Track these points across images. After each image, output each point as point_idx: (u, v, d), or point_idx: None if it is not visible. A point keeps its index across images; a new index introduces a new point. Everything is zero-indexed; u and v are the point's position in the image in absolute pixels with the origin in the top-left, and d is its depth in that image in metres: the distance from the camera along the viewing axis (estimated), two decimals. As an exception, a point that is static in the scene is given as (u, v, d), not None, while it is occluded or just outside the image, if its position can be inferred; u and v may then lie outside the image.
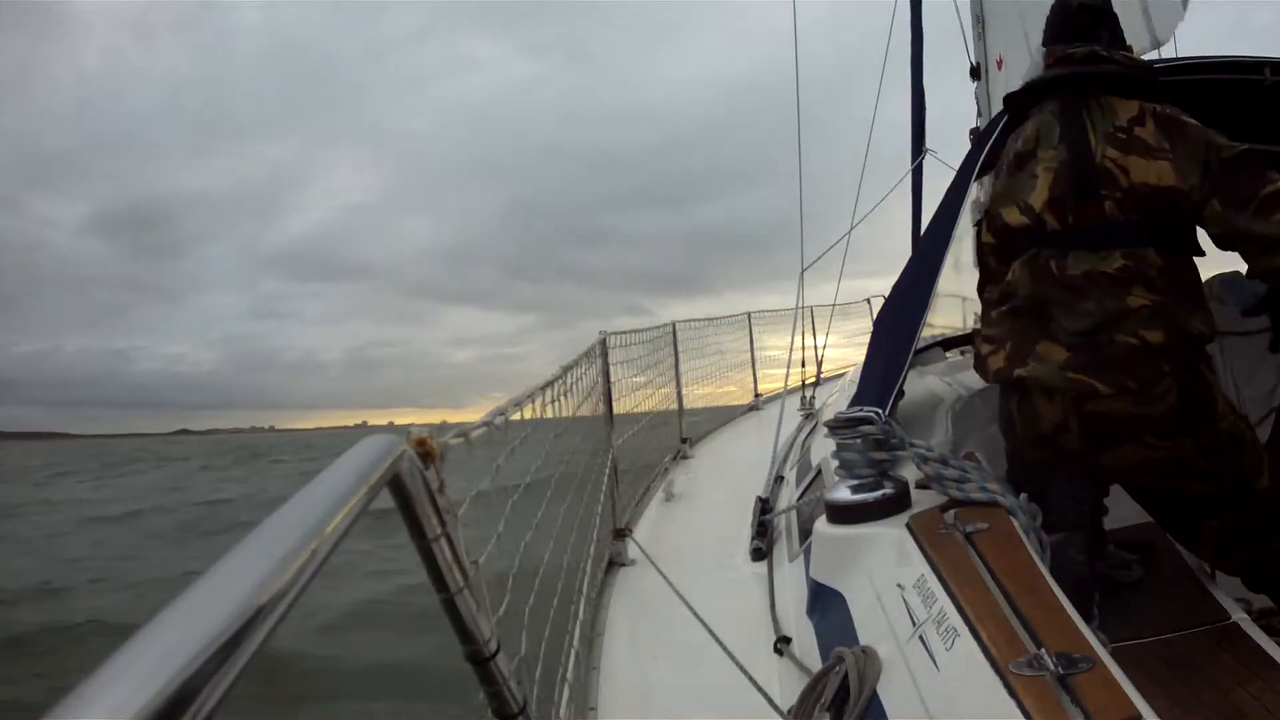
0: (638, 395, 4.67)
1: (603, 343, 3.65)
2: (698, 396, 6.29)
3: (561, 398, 2.42)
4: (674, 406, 5.58)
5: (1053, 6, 2.10)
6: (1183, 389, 1.78)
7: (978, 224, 2.23)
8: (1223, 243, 1.84)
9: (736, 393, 7.35)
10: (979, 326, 2.14)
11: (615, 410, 3.75)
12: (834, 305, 5.22)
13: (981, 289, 2.19)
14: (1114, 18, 2.06)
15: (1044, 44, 2.12)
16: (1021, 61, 4.01)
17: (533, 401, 1.86)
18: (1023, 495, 1.64)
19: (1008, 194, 1.98)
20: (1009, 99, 2.13)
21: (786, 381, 4.42)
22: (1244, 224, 1.75)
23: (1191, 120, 1.85)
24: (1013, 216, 1.95)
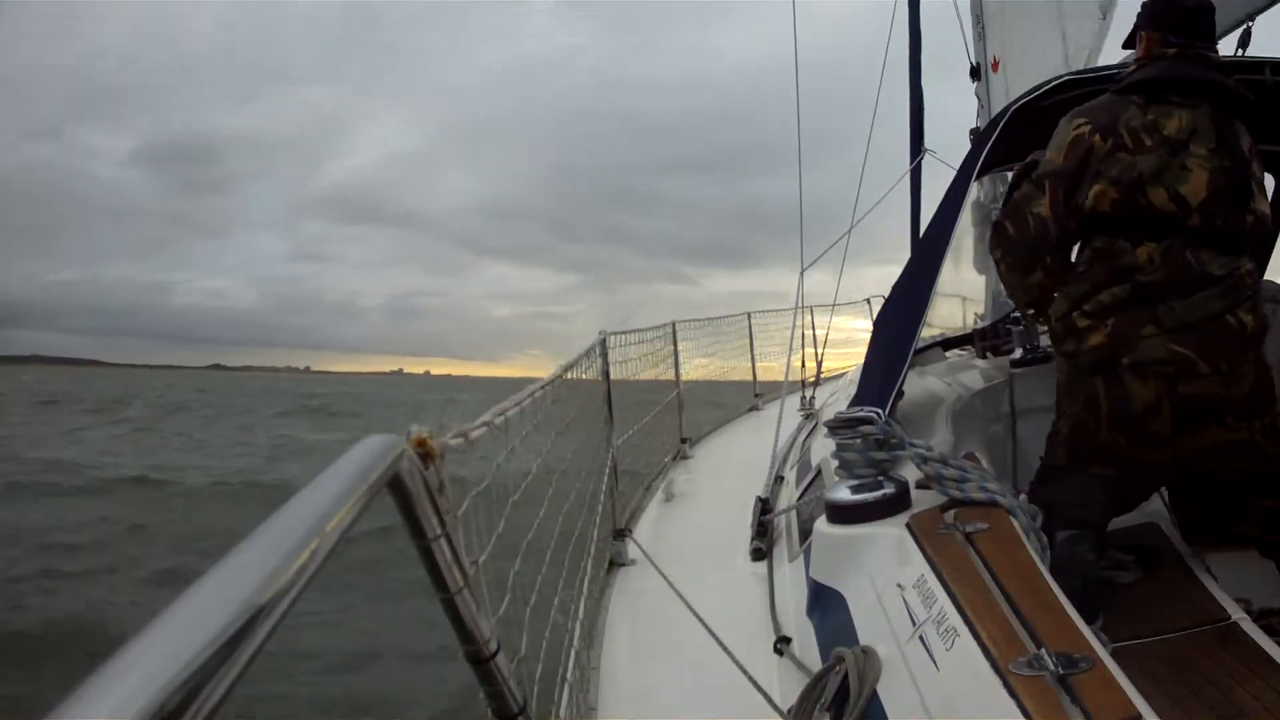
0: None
1: (603, 342, 3.65)
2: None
3: (562, 397, 2.42)
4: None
5: None
6: (1258, 373, 1.94)
7: (1031, 188, 2.13)
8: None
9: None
10: (1059, 311, 2.08)
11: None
12: (834, 305, 5.22)
13: (1045, 263, 2.11)
14: (1215, 21, 2.10)
15: (1150, 28, 2.10)
16: (1023, 61, 4.02)
17: (533, 401, 1.86)
18: (1023, 495, 1.65)
19: (1156, 174, 1.96)
20: (1151, 80, 2.05)
21: (786, 382, 4.41)
22: None
23: None
24: (1160, 199, 1.95)
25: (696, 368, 6.18)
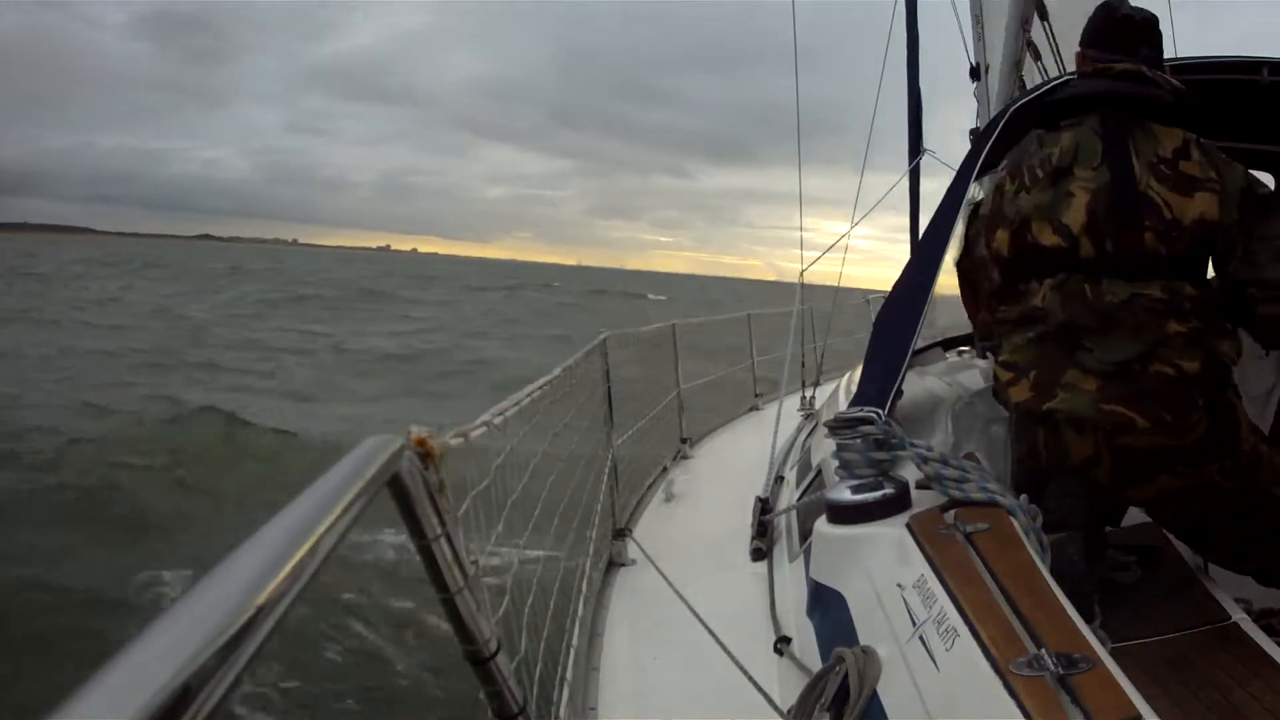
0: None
1: (603, 343, 3.65)
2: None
3: (562, 397, 2.43)
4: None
5: (1096, 9, 2.02)
6: (1212, 419, 1.78)
7: (977, 229, 2.11)
8: (1233, 281, 1.86)
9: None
10: (989, 343, 2.09)
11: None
12: (834, 305, 5.22)
13: (986, 303, 2.09)
14: (1158, 33, 1.99)
15: (1082, 45, 2.04)
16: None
17: (532, 401, 1.86)
18: (1023, 495, 1.64)
19: (1040, 209, 1.88)
20: (1037, 103, 2.03)
21: (785, 382, 4.41)
22: (1270, 270, 1.79)
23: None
24: (1045, 235, 1.87)
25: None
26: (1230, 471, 1.84)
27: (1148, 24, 1.97)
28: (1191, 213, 1.80)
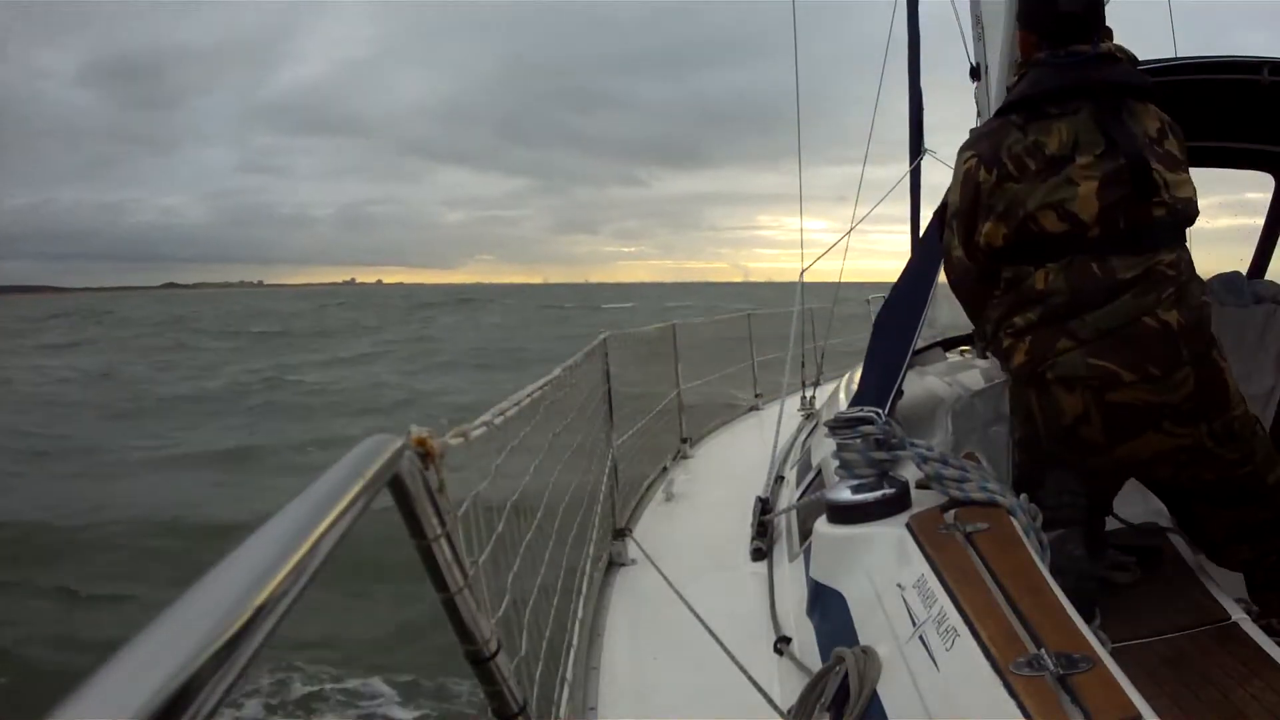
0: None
1: (604, 343, 3.65)
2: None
3: (563, 397, 2.43)
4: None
5: None
6: (1199, 374, 1.82)
7: (951, 228, 2.10)
8: None
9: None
10: (989, 335, 2.08)
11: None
12: (834, 305, 5.22)
13: (983, 290, 2.09)
14: (1101, 15, 2.02)
15: (1020, 28, 2.08)
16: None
17: (532, 401, 1.86)
18: (1023, 495, 1.64)
19: (1042, 198, 1.89)
20: (1027, 98, 1.99)
21: (786, 382, 4.41)
22: None
23: None
24: (1050, 222, 1.88)
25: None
26: (1222, 437, 1.86)
27: (1095, 8, 2.00)
28: (1182, 189, 1.90)
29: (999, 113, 2.05)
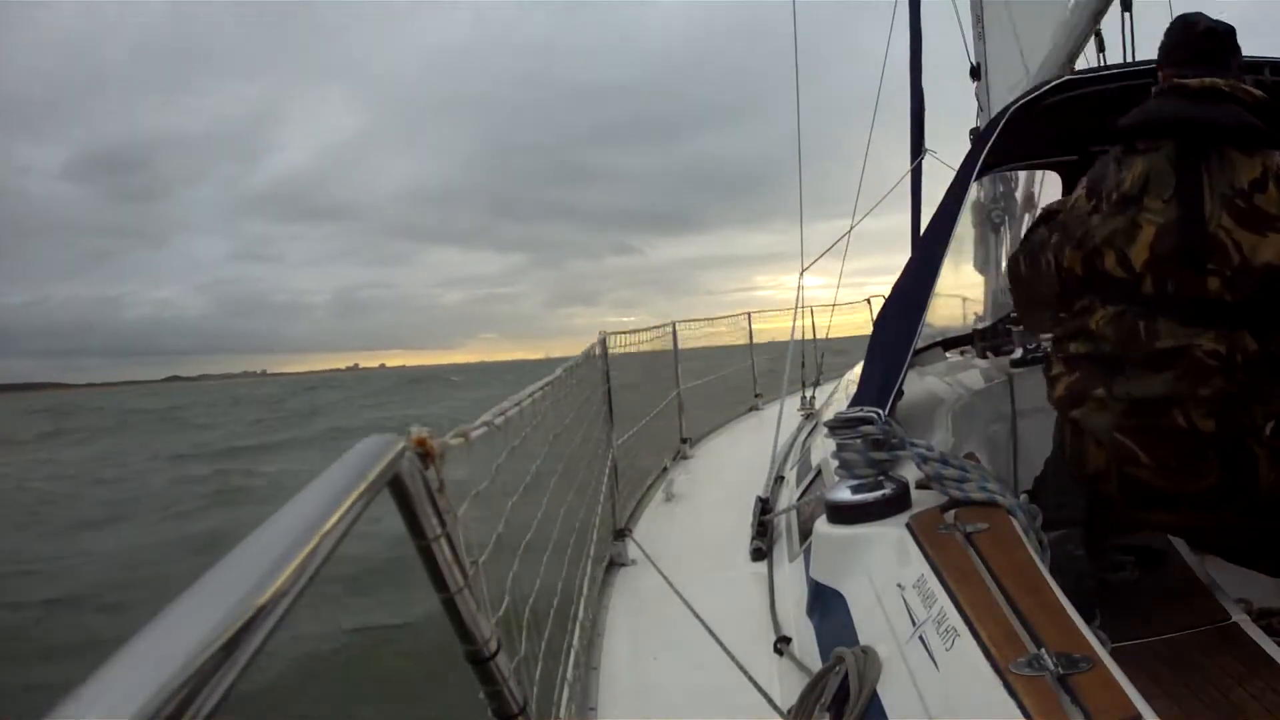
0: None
1: (603, 342, 3.65)
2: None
3: (563, 397, 2.43)
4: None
5: (1172, 25, 1.92)
6: (1226, 468, 1.71)
7: (1044, 236, 2.02)
8: None
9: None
10: (1052, 334, 2.03)
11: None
12: (834, 305, 5.22)
13: (1056, 306, 2.02)
14: (1237, 45, 1.88)
15: (1160, 64, 1.92)
16: (1011, 66, 4.03)
17: (532, 401, 1.86)
18: (1023, 495, 1.64)
19: (1109, 237, 1.81)
20: (1119, 130, 1.89)
21: (786, 382, 4.42)
22: None
23: None
24: (1111, 265, 1.81)
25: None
26: (1247, 512, 1.76)
27: (1230, 36, 1.86)
28: (1264, 254, 1.67)
29: (1113, 137, 1.94)
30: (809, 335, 6.44)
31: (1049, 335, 2.17)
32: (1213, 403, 1.68)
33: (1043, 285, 2.02)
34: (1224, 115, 1.76)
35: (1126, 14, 3.41)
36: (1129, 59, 3.37)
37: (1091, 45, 3.55)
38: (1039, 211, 2.22)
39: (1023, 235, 2.26)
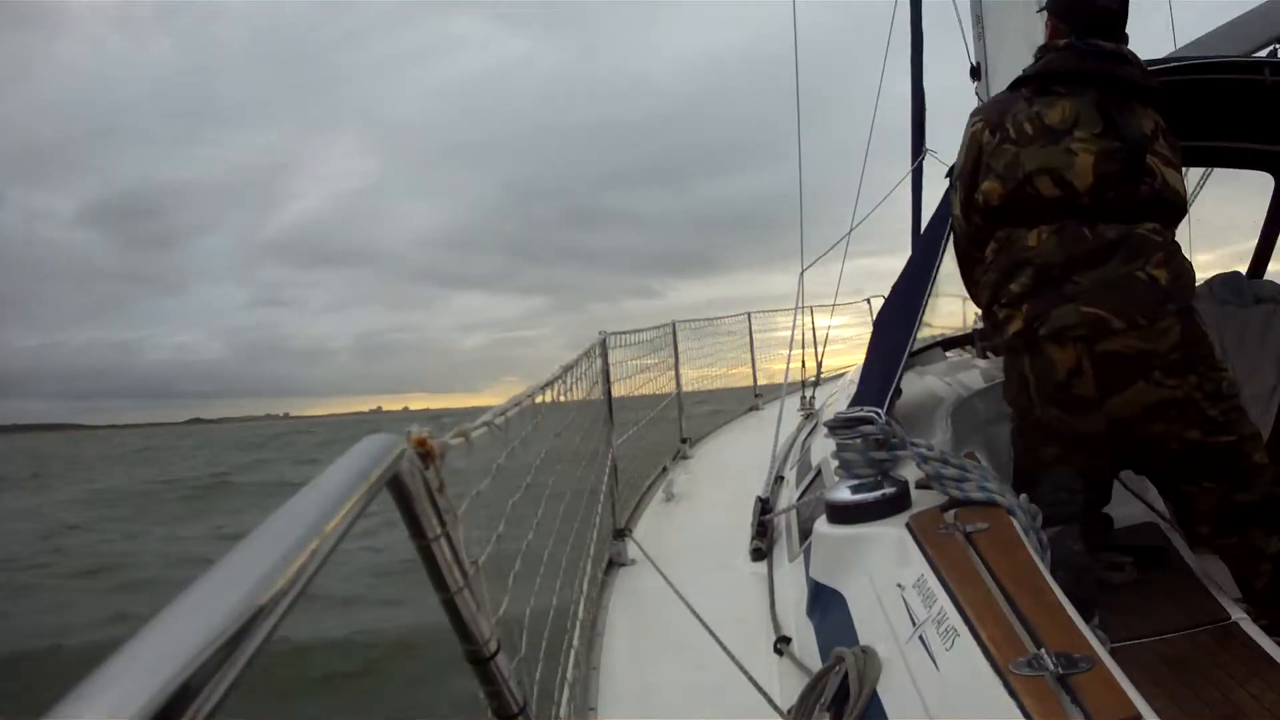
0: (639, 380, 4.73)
1: (603, 343, 3.65)
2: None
3: (562, 397, 2.42)
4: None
5: None
6: (1184, 326, 1.93)
7: (962, 182, 2.23)
8: None
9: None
10: (984, 304, 2.17)
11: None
12: (834, 304, 5.22)
13: (976, 253, 2.22)
14: (1126, 15, 2.14)
15: (1050, 14, 2.20)
16: (1005, 63, 4.03)
17: (532, 401, 1.86)
18: (1023, 495, 1.65)
19: (1043, 164, 2.03)
20: (1038, 75, 2.15)
21: (786, 382, 4.42)
22: None
23: None
24: (1045, 186, 2.03)
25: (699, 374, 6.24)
26: (1209, 393, 1.93)
27: (1125, 11, 2.14)
28: (1174, 183, 2.06)
29: (1011, 86, 2.19)
30: (808, 335, 6.44)
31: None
32: (1164, 259, 1.97)
33: (960, 243, 2.27)
34: (1135, 75, 2.10)
35: None
36: None
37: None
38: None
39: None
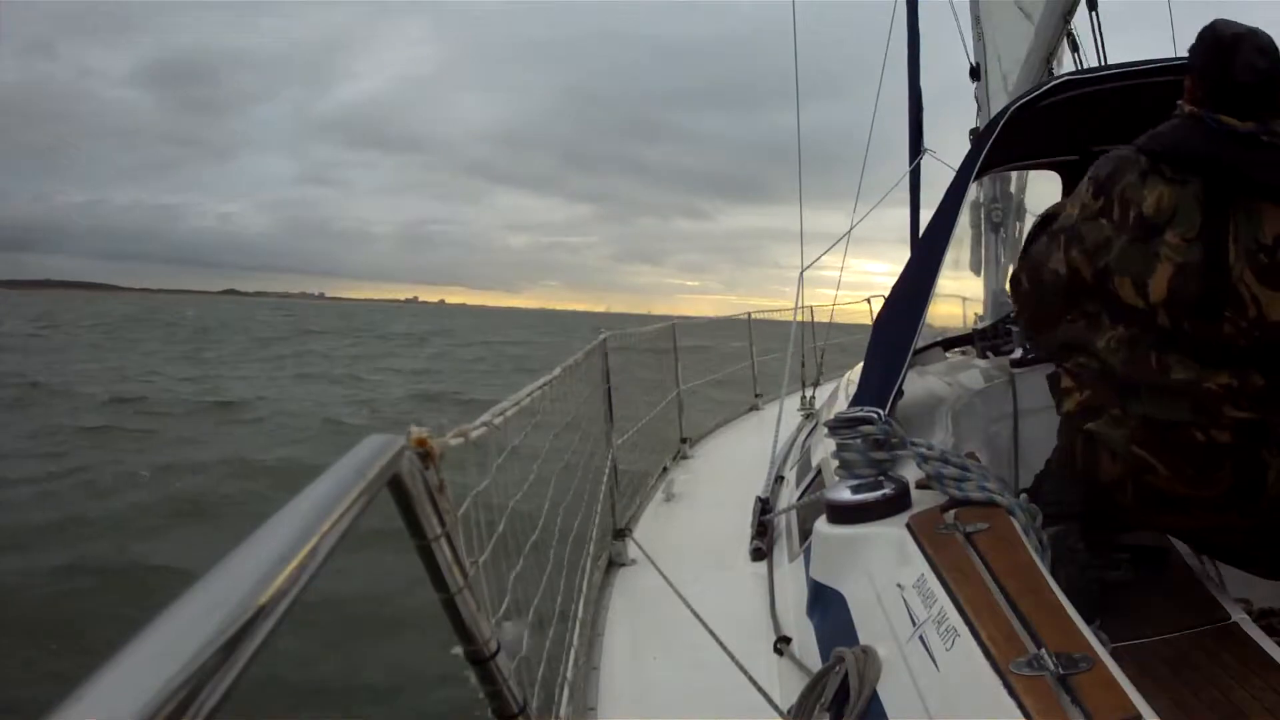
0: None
1: (603, 343, 3.65)
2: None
3: (562, 397, 2.43)
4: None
5: (1208, 38, 1.77)
6: (1238, 476, 1.73)
7: (1047, 242, 1.95)
8: None
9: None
10: (1057, 342, 1.98)
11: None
12: (834, 304, 5.23)
13: (1063, 310, 1.95)
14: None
15: (1191, 73, 1.81)
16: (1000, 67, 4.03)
17: (531, 399, 1.86)
18: (1022, 495, 1.64)
19: (1125, 263, 1.77)
20: (1151, 150, 1.80)
21: (786, 382, 4.42)
22: None
23: None
24: (1126, 291, 1.78)
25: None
26: (1249, 515, 1.80)
27: (1276, 78, 1.73)
28: (1277, 312, 1.68)
29: (1138, 146, 1.82)
30: (809, 336, 6.44)
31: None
32: (1229, 423, 1.71)
33: (1048, 296, 1.97)
34: (1261, 166, 1.70)
35: (1093, 13, 3.47)
36: (1102, 58, 3.41)
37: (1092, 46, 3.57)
38: (1039, 216, 2.13)
39: (1023, 243, 2.18)
